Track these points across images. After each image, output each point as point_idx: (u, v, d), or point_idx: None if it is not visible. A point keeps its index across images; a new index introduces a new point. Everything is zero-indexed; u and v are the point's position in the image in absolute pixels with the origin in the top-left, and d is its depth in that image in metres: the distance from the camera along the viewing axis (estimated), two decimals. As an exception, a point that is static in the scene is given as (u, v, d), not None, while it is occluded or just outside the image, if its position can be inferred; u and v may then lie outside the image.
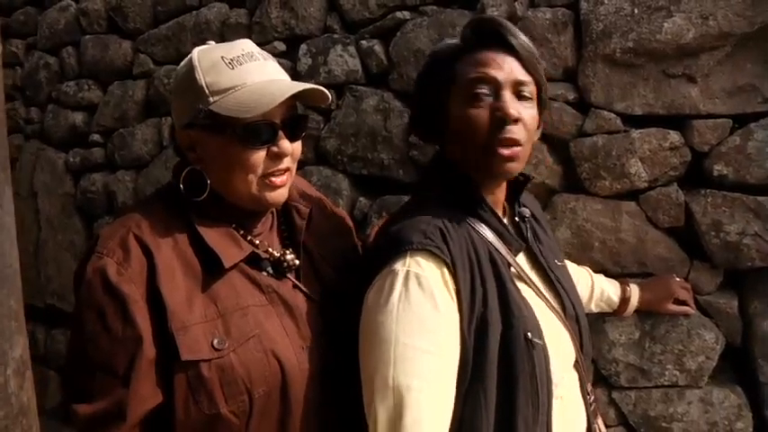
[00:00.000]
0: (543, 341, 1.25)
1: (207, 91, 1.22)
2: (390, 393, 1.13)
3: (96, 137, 3.60)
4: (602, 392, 2.08)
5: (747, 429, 1.96)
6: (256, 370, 1.19)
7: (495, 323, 1.22)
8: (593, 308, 1.94)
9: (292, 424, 1.23)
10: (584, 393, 1.42)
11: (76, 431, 1.17)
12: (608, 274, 2.02)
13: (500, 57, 1.30)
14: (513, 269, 1.33)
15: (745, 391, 1.99)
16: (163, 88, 3.20)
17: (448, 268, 1.22)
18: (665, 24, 1.93)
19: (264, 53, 1.32)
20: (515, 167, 1.31)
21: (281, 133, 1.25)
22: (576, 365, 1.41)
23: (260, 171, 1.25)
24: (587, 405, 1.43)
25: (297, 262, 1.36)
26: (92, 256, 1.21)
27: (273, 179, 1.27)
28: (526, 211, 1.48)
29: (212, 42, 1.34)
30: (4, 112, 2.45)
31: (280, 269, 1.33)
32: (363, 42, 2.53)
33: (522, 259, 1.41)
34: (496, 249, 1.31)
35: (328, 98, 1.30)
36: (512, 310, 1.24)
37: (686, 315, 1.99)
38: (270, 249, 1.34)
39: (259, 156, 1.24)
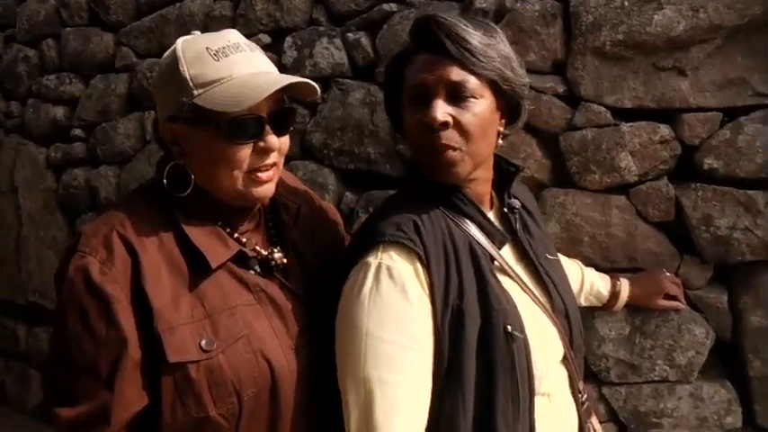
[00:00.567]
0: (524, 335, 1.24)
1: (191, 84, 1.19)
2: (362, 386, 1.15)
3: (78, 131, 3.55)
4: (592, 388, 2.07)
5: (737, 424, 1.97)
6: (245, 371, 1.17)
7: (472, 316, 1.21)
8: (583, 301, 1.93)
9: (282, 424, 1.21)
10: (575, 391, 1.41)
11: (59, 435, 1.15)
12: (598, 269, 2.00)
13: (434, 59, 1.27)
14: (496, 262, 1.32)
15: (735, 386, 1.99)
16: (146, 82, 3.15)
17: (420, 261, 1.23)
18: (656, 17, 1.92)
19: (251, 44, 1.29)
20: (459, 172, 1.28)
21: (267, 128, 1.22)
22: (565, 362, 1.40)
23: (246, 166, 1.22)
24: (578, 403, 1.42)
25: (285, 260, 1.33)
26: (74, 254, 1.18)
27: (260, 174, 1.23)
28: (516, 203, 1.46)
29: (198, 32, 1.30)
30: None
31: (267, 268, 1.31)
32: (350, 35, 2.51)
33: (507, 252, 1.39)
34: (478, 243, 1.30)
35: (317, 92, 1.27)
36: (491, 303, 1.23)
37: (676, 310, 1.98)
38: (257, 247, 1.32)
39: (245, 151, 1.21)
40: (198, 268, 1.21)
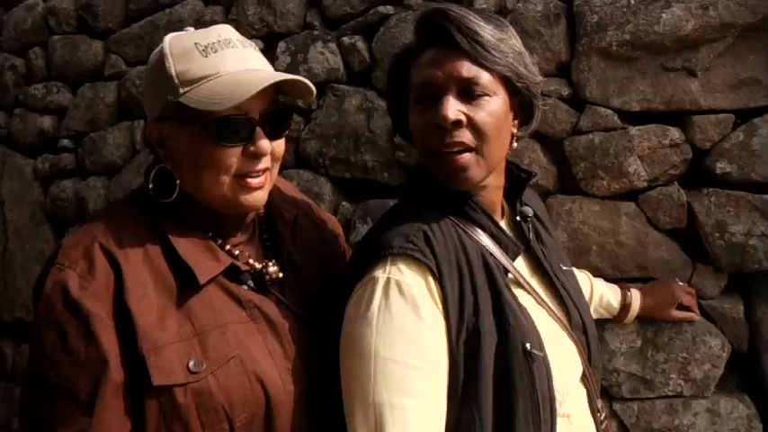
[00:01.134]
0: (544, 353, 1.18)
1: (176, 81, 1.13)
2: (371, 411, 1.08)
3: (66, 142, 3.49)
4: (603, 404, 1.99)
5: (758, 441, 1.91)
6: (238, 394, 1.10)
7: (488, 334, 1.14)
8: (593, 314, 1.85)
9: None
10: (594, 410, 1.36)
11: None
12: (607, 280, 1.95)
13: (444, 55, 1.20)
14: (510, 275, 1.25)
15: (754, 401, 1.93)
16: (135, 90, 3.10)
17: (432, 274, 1.15)
18: (664, 15, 1.88)
19: (245, 40, 1.22)
20: (471, 176, 1.21)
21: (258, 130, 1.15)
22: (584, 380, 1.34)
23: (233, 171, 1.15)
24: (597, 423, 1.36)
25: (281, 275, 1.26)
26: (51, 267, 1.11)
27: (249, 180, 1.17)
28: (528, 210, 1.40)
29: (191, 29, 1.23)
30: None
31: (262, 282, 1.24)
32: (345, 39, 2.45)
33: (521, 264, 1.32)
34: (491, 254, 1.23)
35: (313, 92, 1.20)
36: (507, 320, 1.16)
37: (690, 321, 1.93)
38: (251, 261, 1.25)
39: (233, 154, 1.14)
40: (186, 283, 1.14)
